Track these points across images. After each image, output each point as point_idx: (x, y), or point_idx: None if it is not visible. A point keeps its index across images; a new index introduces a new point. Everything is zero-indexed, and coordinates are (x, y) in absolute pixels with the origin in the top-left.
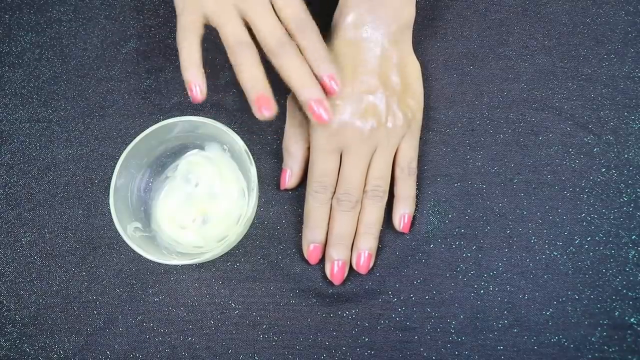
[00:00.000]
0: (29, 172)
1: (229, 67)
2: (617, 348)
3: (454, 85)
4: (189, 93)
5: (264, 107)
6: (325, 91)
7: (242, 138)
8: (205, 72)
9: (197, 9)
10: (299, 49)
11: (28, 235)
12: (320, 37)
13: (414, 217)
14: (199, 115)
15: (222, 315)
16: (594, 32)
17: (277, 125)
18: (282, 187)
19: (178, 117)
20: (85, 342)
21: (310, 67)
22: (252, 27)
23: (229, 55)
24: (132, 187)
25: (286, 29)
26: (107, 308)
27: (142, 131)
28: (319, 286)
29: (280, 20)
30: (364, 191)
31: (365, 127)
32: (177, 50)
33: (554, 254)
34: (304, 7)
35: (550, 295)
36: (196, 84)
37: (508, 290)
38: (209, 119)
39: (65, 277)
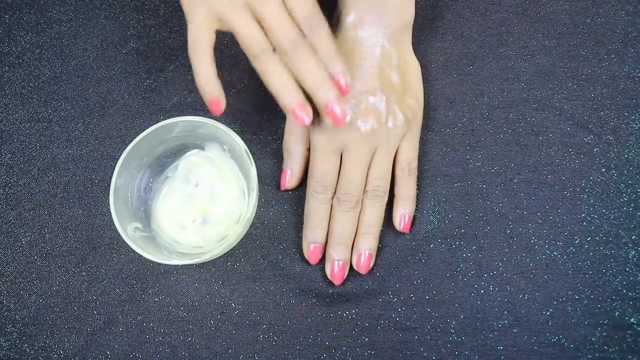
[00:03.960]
0: (29, 172)
1: (229, 67)
2: (617, 348)
3: (454, 85)
4: (210, 108)
5: (304, 114)
6: (339, 90)
7: (242, 138)
8: (221, 79)
9: (206, 12)
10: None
11: (28, 235)
12: (331, 34)
13: (414, 217)
14: (199, 115)
15: (222, 315)
16: (594, 32)
17: (277, 125)
18: (282, 188)
19: (178, 117)
20: (85, 342)
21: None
22: (264, 25)
23: (252, 62)
24: (132, 187)
25: (297, 26)
26: (107, 308)
27: (142, 131)
28: (319, 286)
29: (292, 17)
30: (364, 191)
31: (366, 127)
32: (177, 50)
33: (554, 254)
34: (314, 2)
35: (550, 295)
36: (217, 100)
37: (508, 290)
38: (209, 119)
39: (65, 277)
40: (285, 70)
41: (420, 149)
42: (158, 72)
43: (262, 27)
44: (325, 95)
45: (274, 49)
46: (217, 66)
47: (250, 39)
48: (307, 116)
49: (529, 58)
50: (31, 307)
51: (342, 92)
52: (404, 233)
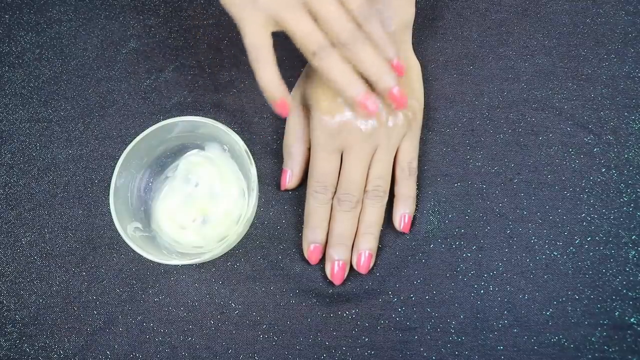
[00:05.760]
0: (29, 172)
1: (229, 67)
2: (617, 348)
3: (454, 85)
4: (276, 110)
5: (374, 103)
6: (397, 72)
7: (242, 138)
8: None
9: (262, 15)
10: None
11: (28, 235)
12: (380, 21)
13: (414, 217)
14: (199, 115)
15: (222, 315)
16: (594, 32)
17: (277, 125)
18: (282, 188)
19: (178, 117)
20: (85, 342)
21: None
22: (320, 20)
23: (310, 60)
24: (132, 187)
25: (353, 18)
26: (107, 308)
27: (142, 131)
28: (319, 286)
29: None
30: (364, 191)
31: (366, 127)
32: (177, 50)
33: (554, 254)
34: None
35: (550, 295)
36: (283, 102)
37: (508, 290)
38: (209, 119)
39: (65, 277)
40: (345, 63)
41: (420, 149)
42: (158, 72)
43: (317, 24)
44: (387, 82)
45: (331, 44)
46: (207, 59)
47: (307, 37)
48: (376, 104)
49: (529, 58)
50: (31, 307)
51: (399, 74)
52: (404, 233)
